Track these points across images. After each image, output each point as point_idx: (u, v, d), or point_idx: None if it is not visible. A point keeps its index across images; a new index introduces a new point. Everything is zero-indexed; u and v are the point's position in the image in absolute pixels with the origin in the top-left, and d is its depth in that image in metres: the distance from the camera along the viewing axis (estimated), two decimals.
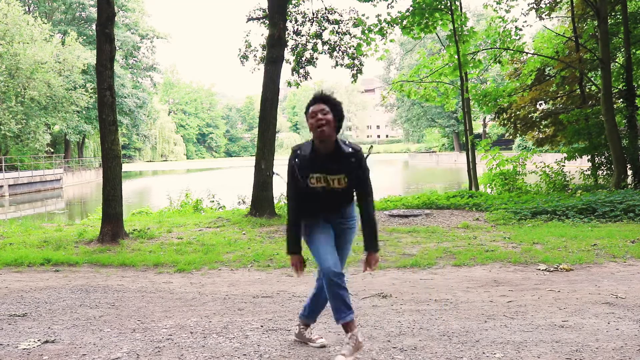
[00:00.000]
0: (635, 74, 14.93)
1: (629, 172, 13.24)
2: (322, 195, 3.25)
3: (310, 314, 3.58)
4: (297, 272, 3.38)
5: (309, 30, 13.99)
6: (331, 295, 3.18)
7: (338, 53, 14.09)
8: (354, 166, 3.21)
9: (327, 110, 3.19)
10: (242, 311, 4.49)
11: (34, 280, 5.88)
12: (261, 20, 13.39)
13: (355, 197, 3.34)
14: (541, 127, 17.09)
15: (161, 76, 68.26)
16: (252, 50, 14.06)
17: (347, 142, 3.26)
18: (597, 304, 4.47)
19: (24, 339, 3.84)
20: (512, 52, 15.94)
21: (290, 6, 13.42)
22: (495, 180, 14.26)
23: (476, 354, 3.35)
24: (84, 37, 42.00)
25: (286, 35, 12.13)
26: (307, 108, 3.26)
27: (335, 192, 3.25)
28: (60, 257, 6.88)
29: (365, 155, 3.29)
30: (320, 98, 3.23)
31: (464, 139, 16.25)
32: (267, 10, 12.08)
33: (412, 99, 18.34)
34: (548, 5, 16.15)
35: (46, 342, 3.76)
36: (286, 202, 3.49)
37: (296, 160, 3.25)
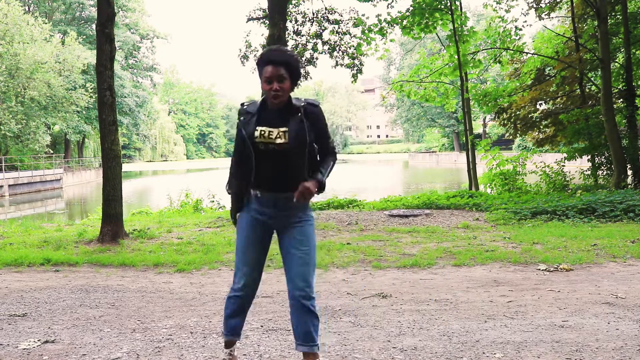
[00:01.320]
0: (635, 74, 14.93)
1: (629, 172, 13.25)
2: (267, 155, 2.81)
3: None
4: None
5: (309, 30, 14.02)
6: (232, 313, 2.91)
7: (338, 53, 14.10)
8: (308, 120, 2.83)
9: (285, 76, 2.77)
10: None
11: (34, 280, 5.88)
12: (261, 20, 13.40)
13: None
14: (541, 127, 17.10)
15: (161, 76, 68.36)
16: (252, 50, 14.08)
17: (302, 99, 2.89)
18: (597, 304, 4.47)
19: (24, 339, 3.84)
20: (512, 52, 15.95)
21: (290, 6, 13.43)
22: (495, 180, 14.25)
23: (476, 354, 3.35)
24: (84, 37, 42.04)
25: (286, 35, 12.13)
26: (262, 61, 2.82)
27: (281, 154, 2.80)
28: (60, 257, 6.87)
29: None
30: (279, 59, 2.78)
31: (464, 139, 16.25)
32: (267, 10, 12.09)
33: (412, 99, 18.34)
34: (548, 5, 16.17)
35: (46, 342, 3.76)
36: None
37: (241, 118, 2.90)
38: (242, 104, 2.97)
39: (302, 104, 2.86)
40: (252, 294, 3.00)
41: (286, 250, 2.94)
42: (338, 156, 3.13)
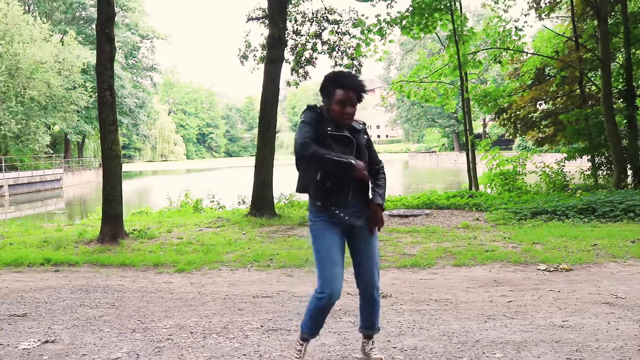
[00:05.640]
0: (635, 74, 14.91)
1: (629, 172, 13.24)
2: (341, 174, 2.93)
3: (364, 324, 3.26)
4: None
5: (309, 30, 14.01)
6: (316, 315, 3.01)
7: (337, 53, 14.09)
8: (365, 140, 3.06)
9: (356, 101, 2.97)
10: (242, 311, 4.48)
11: (34, 280, 5.88)
12: (261, 20, 13.39)
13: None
14: (541, 127, 17.08)
15: (161, 76, 68.34)
16: (252, 50, 14.07)
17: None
18: (597, 304, 4.47)
19: (24, 339, 3.84)
20: (512, 52, 15.93)
21: (290, 6, 13.43)
22: (495, 180, 14.25)
23: (476, 354, 3.35)
24: (84, 37, 42.00)
25: (286, 35, 12.13)
26: (334, 84, 2.97)
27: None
28: (60, 257, 6.87)
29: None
30: (355, 85, 2.95)
31: (464, 139, 16.24)
32: (267, 10, 12.09)
33: (412, 100, 18.30)
34: (548, 5, 16.14)
35: (46, 342, 3.76)
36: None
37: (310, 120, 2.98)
38: (318, 108, 3.04)
39: (361, 125, 3.10)
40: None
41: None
42: None
